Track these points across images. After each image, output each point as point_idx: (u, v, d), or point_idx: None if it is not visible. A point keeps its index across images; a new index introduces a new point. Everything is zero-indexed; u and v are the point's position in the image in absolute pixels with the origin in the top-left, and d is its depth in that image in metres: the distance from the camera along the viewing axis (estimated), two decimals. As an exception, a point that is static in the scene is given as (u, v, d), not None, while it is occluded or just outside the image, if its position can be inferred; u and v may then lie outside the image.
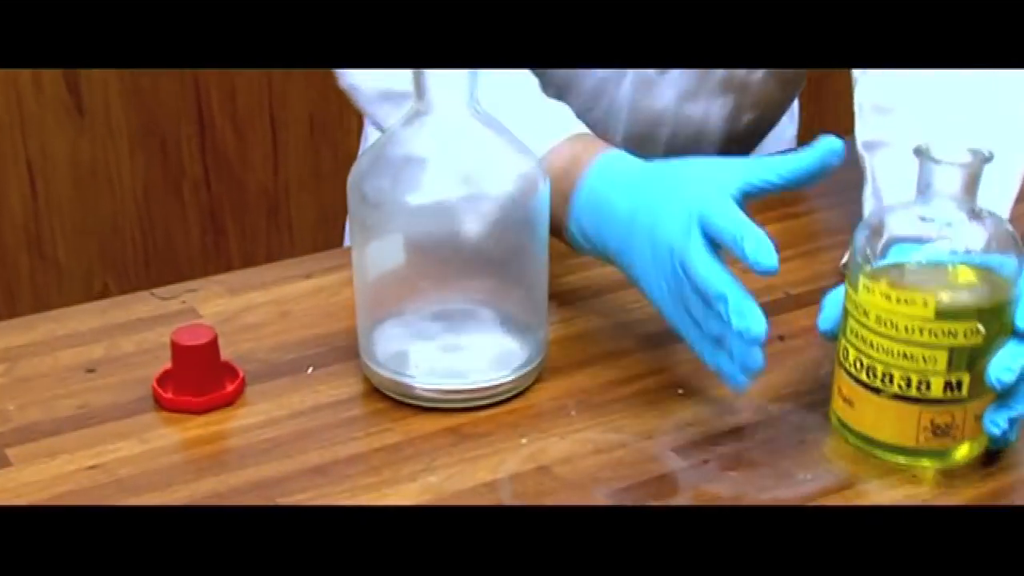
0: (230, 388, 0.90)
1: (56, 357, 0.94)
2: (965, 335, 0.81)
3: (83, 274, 2.19)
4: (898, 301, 0.82)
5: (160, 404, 0.89)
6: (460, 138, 0.87)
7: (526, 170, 0.87)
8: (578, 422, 0.88)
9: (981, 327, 0.81)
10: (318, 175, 2.26)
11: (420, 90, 0.86)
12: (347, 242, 1.43)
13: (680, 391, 0.91)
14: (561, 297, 1.00)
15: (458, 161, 0.87)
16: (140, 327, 0.98)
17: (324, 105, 2.22)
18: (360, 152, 1.41)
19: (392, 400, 0.90)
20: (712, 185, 0.87)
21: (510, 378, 0.89)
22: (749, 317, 0.82)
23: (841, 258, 1.05)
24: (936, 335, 0.81)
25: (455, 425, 0.88)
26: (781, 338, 0.96)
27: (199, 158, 2.19)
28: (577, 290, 1.02)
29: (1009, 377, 0.81)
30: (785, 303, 1.00)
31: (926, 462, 0.85)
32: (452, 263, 0.89)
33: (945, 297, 0.81)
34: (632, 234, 0.89)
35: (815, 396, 0.90)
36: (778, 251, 0.84)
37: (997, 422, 0.83)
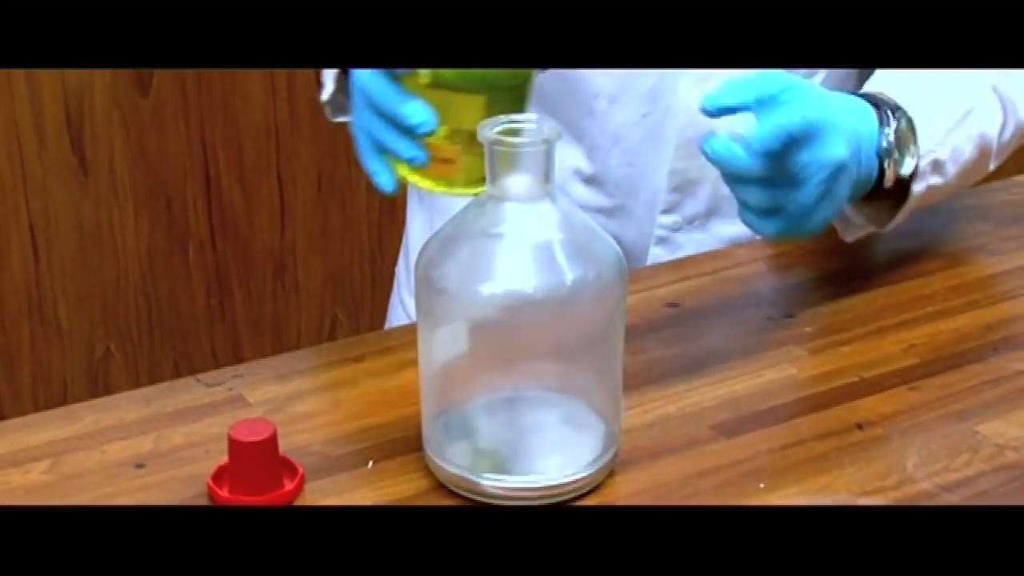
0: (289, 486, 0.85)
1: (103, 451, 0.90)
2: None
3: (85, 339, 2.15)
4: None
5: (216, 504, 0.85)
6: (535, 223, 0.83)
7: (603, 257, 0.83)
8: (659, 520, 0.84)
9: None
10: (326, 234, 2.22)
11: (493, 175, 0.82)
12: (389, 324, 1.39)
13: (762, 485, 0.87)
14: (627, 381, 0.96)
15: (532, 247, 0.83)
16: (188, 417, 0.93)
17: (332, 163, 2.18)
18: (407, 222, 1.36)
19: (459, 497, 0.85)
20: None
21: (585, 473, 0.85)
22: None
23: (912, 339, 1.02)
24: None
25: (529, 524, 0.84)
26: (860, 426, 0.92)
27: (205, 218, 2.15)
28: (641, 372, 0.98)
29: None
30: (859, 387, 0.96)
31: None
32: (524, 352, 0.85)
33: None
34: None
35: (904, 491, 0.86)
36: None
37: None
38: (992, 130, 1.11)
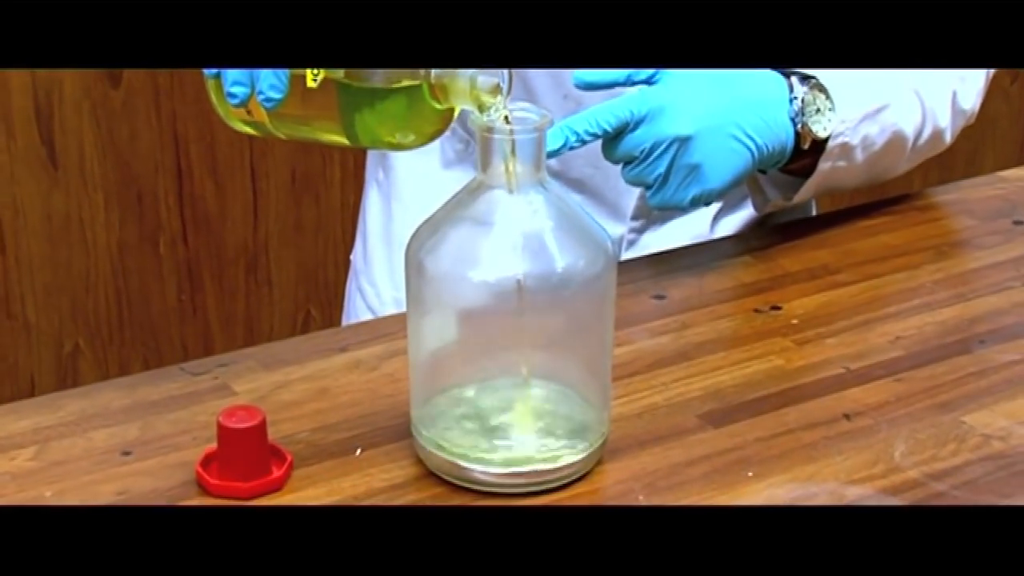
0: (278, 473, 0.85)
1: (89, 439, 0.89)
2: None
3: (53, 334, 2.13)
4: None
5: (205, 489, 0.84)
6: (526, 212, 0.83)
7: (593, 244, 0.83)
8: (649, 509, 0.84)
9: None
10: (299, 229, 2.21)
11: (486, 162, 0.82)
12: (347, 315, 1.39)
13: (750, 473, 0.87)
14: (613, 371, 0.96)
15: (523, 235, 0.82)
16: (173, 405, 0.93)
17: (306, 158, 2.17)
18: (363, 209, 1.36)
19: (448, 484, 0.85)
20: None
21: (573, 460, 0.85)
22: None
23: (898, 332, 1.02)
24: None
25: (518, 512, 0.83)
26: (847, 417, 0.92)
27: (177, 212, 2.14)
28: (629, 363, 0.98)
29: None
30: (846, 379, 0.96)
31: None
32: (514, 340, 0.85)
33: None
34: None
35: (892, 479, 0.86)
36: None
37: None
38: (908, 130, 1.14)
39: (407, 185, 1.29)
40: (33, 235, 2.07)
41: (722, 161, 1.02)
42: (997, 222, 1.20)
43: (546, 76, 1.15)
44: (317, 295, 2.27)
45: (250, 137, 2.10)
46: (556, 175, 1.20)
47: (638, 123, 1.01)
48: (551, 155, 0.98)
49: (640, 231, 1.22)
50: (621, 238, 1.21)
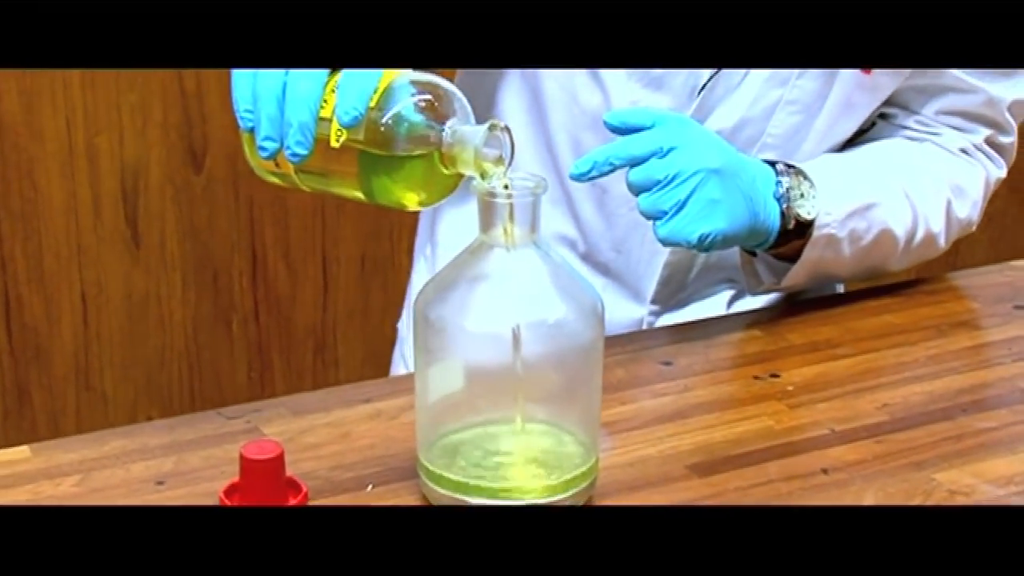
0: (293, 502, 0.93)
1: (128, 470, 0.98)
2: None
3: (128, 406, 2.23)
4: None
5: (226, 516, 0.93)
6: (522, 269, 0.91)
7: (582, 299, 0.91)
8: (629, 545, 0.91)
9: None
10: (367, 314, 2.31)
11: (486, 224, 0.90)
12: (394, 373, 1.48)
13: (727, 518, 0.94)
14: (613, 426, 1.04)
15: (519, 290, 0.91)
16: (207, 443, 1.02)
17: (375, 244, 2.27)
18: (411, 279, 1.46)
19: (449, 519, 0.93)
20: None
21: (562, 496, 0.92)
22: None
23: (886, 399, 1.09)
24: None
25: (510, 544, 0.91)
26: (825, 471, 0.99)
27: (250, 292, 2.24)
28: (629, 419, 1.05)
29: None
30: (829, 439, 1.03)
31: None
32: (511, 387, 0.92)
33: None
34: None
35: (859, 527, 0.93)
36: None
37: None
38: (898, 230, 1.22)
39: (449, 259, 1.37)
40: (113, 311, 2.18)
41: (735, 207, 1.09)
42: (999, 306, 1.27)
43: (569, 150, 1.24)
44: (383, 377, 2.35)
45: (322, 221, 2.24)
46: (584, 257, 1.28)
47: (667, 152, 1.07)
48: (579, 178, 1.07)
49: (659, 314, 1.30)
50: (641, 320, 1.29)
